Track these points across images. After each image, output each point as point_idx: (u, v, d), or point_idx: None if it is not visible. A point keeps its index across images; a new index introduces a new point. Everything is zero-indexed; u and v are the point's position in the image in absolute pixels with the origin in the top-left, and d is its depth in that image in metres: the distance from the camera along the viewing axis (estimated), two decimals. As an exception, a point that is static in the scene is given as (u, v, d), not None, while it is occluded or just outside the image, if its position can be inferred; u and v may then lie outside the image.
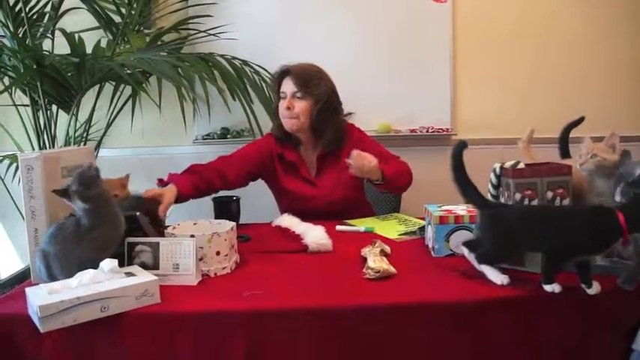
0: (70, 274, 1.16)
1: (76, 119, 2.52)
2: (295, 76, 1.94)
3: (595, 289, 1.11)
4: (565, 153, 1.63)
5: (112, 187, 1.45)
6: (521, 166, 1.32)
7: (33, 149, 2.57)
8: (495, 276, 1.19)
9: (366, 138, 2.09)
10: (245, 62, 2.65)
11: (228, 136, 2.94)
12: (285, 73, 1.98)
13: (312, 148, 2.06)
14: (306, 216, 1.79)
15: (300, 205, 1.98)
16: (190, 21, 2.82)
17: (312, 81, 1.95)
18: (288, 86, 1.96)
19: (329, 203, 1.98)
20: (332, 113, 1.99)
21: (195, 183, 1.83)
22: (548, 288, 1.12)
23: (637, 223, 1.07)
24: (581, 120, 1.61)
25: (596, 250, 1.13)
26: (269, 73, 2.70)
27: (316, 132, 1.98)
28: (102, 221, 1.23)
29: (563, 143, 1.63)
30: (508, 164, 1.34)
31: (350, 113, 2.09)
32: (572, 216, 1.15)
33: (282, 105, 1.97)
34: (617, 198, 1.16)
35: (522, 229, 1.16)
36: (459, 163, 1.24)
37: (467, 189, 1.23)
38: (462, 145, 1.24)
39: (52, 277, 1.20)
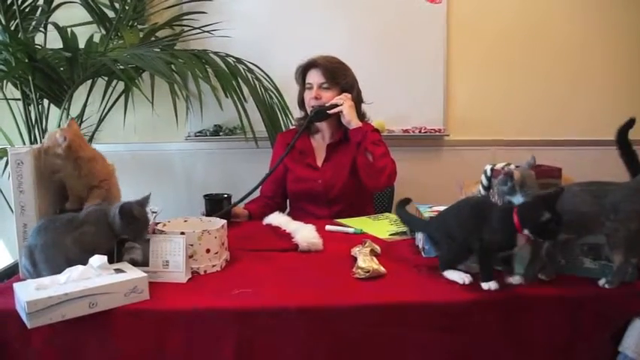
0: (55, 269, 1.16)
1: (68, 114, 2.50)
2: (322, 68, 2.05)
3: (517, 280, 1.17)
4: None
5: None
6: (511, 167, 1.32)
7: (24, 144, 2.55)
8: (457, 276, 1.21)
9: (378, 134, 2.13)
10: (239, 60, 2.65)
11: (221, 133, 2.94)
12: (310, 65, 2.09)
13: (327, 137, 2.17)
14: (305, 199, 2.10)
15: (299, 186, 2.13)
16: (184, 17, 2.82)
17: (337, 72, 2.07)
18: (314, 77, 2.07)
19: (327, 187, 2.08)
20: (357, 102, 2.10)
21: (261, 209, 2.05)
22: (484, 286, 1.14)
23: (526, 221, 1.11)
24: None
25: (506, 245, 1.15)
26: (262, 71, 2.70)
27: (341, 120, 2.04)
28: (97, 222, 1.23)
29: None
30: (499, 166, 1.35)
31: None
32: (490, 212, 1.18)
33: (309, 95, 2.08)
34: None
35: (456, 228, 1.24)
36: (402, 209, 1.46)
37: (408, 219, 1.46)
38: (406, 202, 1.46)
39: (37, 274, 1.19)
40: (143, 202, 1.30)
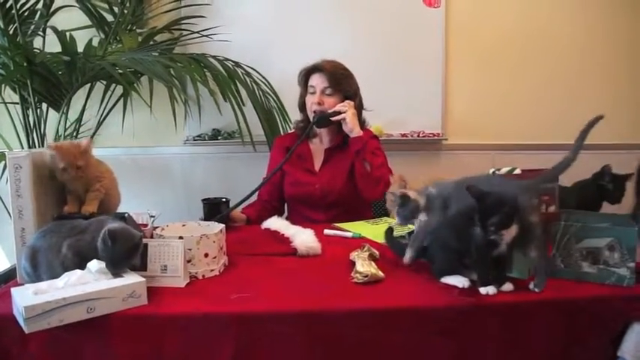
0: (54, 273, 1.15)
1: (66, 118, 2.51)
2: (327, 73, 2.03)
3: (509, 287, 1.17)
4: None
5: (71, 156, 1.34)
6: (517, 172, 1.32)
7: (22, 148, 2.55)
8: (456, 281, 1.21)
9: (377, 142, 2.14)
10: (237, 64, 2.65)
11: (219, 137, 2.94)
12: (315, 69, 2.07)
13: (326, 141, 2.17)
14: (302, 203, 2.09)
15: (297, 190, 2.12)
16: (183, 21, 2.82)
17: (342, 79, 2.06)
18: (318, 81, 2.06)
19: (324, 192, 2.08)
20: (359, 109, 2.10)
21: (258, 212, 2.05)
22: (482, 291, 1.15)
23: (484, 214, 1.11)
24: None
25: (489, 240, 1.14)
26: (261, 75, 2.71)
27: (341, 126, 2.04)
28: (96, 232, 1.19)
29: None
30: (504, 170, 1.35)
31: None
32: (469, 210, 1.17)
33: (312, 100, 2.07)
34: None
35: (449, 236, 1.23)
36: (392, 239, 1.51)
37: (401, 249, 1.41)
38: (392, 231, 1.52)
39: (37, 277, 1.19)
40: (134, 246, 1.18)
